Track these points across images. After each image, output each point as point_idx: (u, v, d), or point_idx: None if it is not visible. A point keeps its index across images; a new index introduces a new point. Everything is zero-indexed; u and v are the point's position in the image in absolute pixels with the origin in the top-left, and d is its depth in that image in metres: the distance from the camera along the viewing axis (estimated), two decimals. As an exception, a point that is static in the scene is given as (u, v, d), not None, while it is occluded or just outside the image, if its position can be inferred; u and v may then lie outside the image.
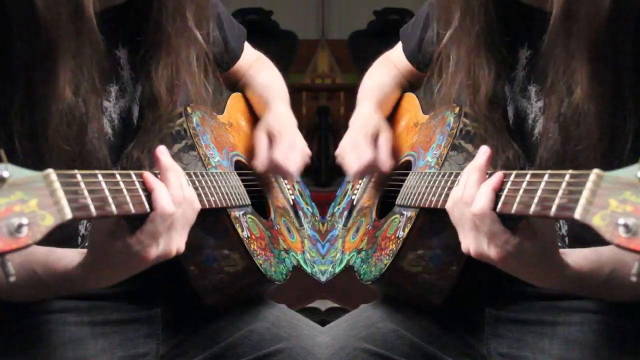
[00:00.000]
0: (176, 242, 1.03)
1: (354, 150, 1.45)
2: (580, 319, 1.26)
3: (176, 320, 1.33)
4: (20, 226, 0.75)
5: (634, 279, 0.78)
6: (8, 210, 0.75)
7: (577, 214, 0.81)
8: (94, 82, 1.17)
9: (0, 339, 1.23)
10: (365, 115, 1.53)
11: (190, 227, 1.06)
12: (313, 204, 1.75)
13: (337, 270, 1.50)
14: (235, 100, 1.60)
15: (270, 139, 1.47)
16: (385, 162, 1.45)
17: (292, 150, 1.45)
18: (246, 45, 1.65)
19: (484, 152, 1.06)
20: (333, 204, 1.76)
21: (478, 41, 1.26)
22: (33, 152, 1.12)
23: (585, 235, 1.01)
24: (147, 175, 1.01)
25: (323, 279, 1.52)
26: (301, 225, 1.62)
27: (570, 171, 0.87)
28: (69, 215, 0.81)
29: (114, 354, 1.26)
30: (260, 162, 1.45)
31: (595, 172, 0.81)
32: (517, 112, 1.28)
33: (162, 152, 1.06)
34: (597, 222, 0.79)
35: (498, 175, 1.00)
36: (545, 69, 1.18)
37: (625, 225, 0.76)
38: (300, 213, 1.65)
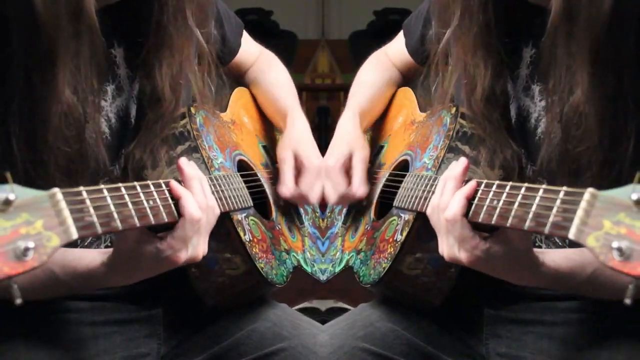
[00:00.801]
0: (202, 245, 1.10)
1: (330, 178, 1.47)
2: (578, 319, 1.26)
3: (177, 321, 1.33)
4: (26, 250, 0.76)
5: (627, 301, 0.79)
6: (14, 233, 0.76)
7: (572, 234, 0.81)
8: (92, 82, 1.17)
9: (2, 340, 1.23)
10: (343, 131, 1.53)
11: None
12: None
13: (337, 269, 1.50)
14: (238, 96, 1.60)
15: (297, 160, 1.48)
16: (358, 189, 1.47)
17: (318, 178, 1.47)
18: (247, 38, 1.64)
19: (461, 162, 1.12)
20: None
21: (476, 40, 1.26)
22: (31, 152, 1.12)
23: None
24: (174, 183, 1.07)
25: (323, 278, 1.52)
26: (302, 222, 1.62)
27: (565, 188, 0.87)
28: (74, 235, 0.81)
29: (116, 354, 1.27)
30: (287, 188, 1.46)
31: (589, 192, 0.82)
32: (519, 110, 1.28)
33: (185, 163, 1.12)
34: (591, 243, 0.79)
35: (471, 183, 1.07)
36: (549, 68, 1.18)
37: (619, 249, 0.76)
38: (301, 210, 1.64)
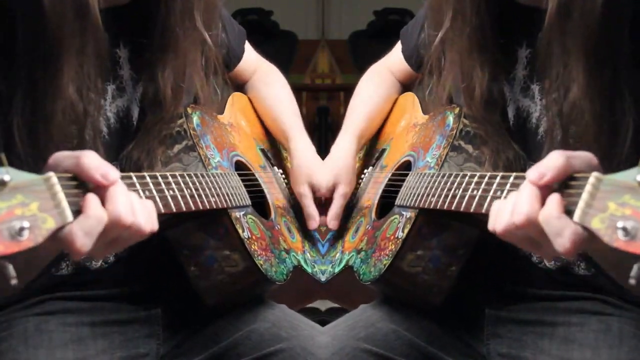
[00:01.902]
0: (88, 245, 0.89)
1: (314, 199, 1.53)
2: (579, 319, 1.26)
3: (176, 321, 1.33)
4: (21, 229, 0.75)
5: (632, 281, 0.78)
6: (9, 214, 0.76)
7: (577, 217, 0.81)
8: (95, 80, 1.17)
9: (2, 340, 1.23)
10: (336, 158, 1.56)
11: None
12: None
13: (337, 270, 1.50)
14: (235, 100, 1.60)
15: (313, 190, 1.53)
16: (331, 221, 1.52)
17: (335, 198, 1.52)
18: (247, 46, 1.65)
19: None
20: None
21: (470, 43, 1.26)
22: (34, 149, 1.12)
23: None
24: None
25: (323, 278, 1.53)
26: (302, 224, 1.62)
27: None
28: (69, 218, 0.81)
29: (115, 354, 1.26)
30: (316, 222, 1.52)
31: (594, 175, 0.81)
32: (518, 112, 1.28)
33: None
34: (595, 225, 0.79)
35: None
36: (546, 67, 1.18)
37: (624, 229, 0.76)
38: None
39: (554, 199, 0.87)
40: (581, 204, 0.81)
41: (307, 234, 1.57)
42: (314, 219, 1.51)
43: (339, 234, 1.56)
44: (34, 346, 1.22)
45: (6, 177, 0.77)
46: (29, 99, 1.12)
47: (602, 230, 0.78)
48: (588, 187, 0.81)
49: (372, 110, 1.62)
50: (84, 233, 0.84)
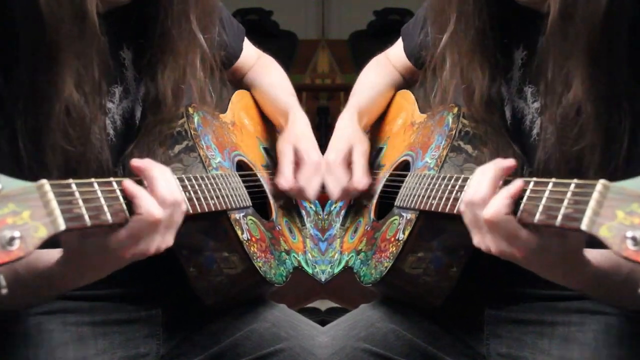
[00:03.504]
0: (157, 243, 1.01)
1: (331, 173, 1.46)
2: (579, 319, 1.26)
3: (176, 321, 1.33)
4: (12, 239, 0.75)
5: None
6: (0, 223, 0.75)
7: (584, 225, 0.81)
8: (97, 82, 1.17)
9: (1, 340, 1.23)
10: (342, 127, 1.54)
11: (177, 230, 1.04)
12: (317, 201, 1.75)
13: (336, 270, 1.50)
14: (238, 98, 1.60)
15: (296, 154, 1.48)
16: (360, 181, 1.46)
17: (316, 174, 1.46)
18: (246, 42, 1.65)
19: (509, 161, 1.04)
20: (329, 202, 1.75)
21: (473, 45, 1.26)
22: (36, 152, 1.12)
23: None
24: (127, 182, 0.97)
25: (323, 279, 1.53)
26: (303, 224, 1.62)
27: (575, 180, 0.87)
28: (62, 226, 0.80)
29: (115, 354, 1.27)
30: (285, 180, 1.45)
31: (601, 183, 0.81)
32: (514, 113, 1.28)
33: (137, 160, 1.02)
34: (604, 233, 0.78)
35: (517, 183, 0.98)
36: (542, 70, 1.19)
37: (634, 238, 0.76)
38: (303, 212, 1.65)
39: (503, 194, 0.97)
40: (589, 211, 0.81)
41: (308, 234, 1.57)
42: (285, 178, 1.45)
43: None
44: (35, 346, 1.22)
45: None
46: (31, 103, 1.12)
47: (610, 239, 0.78)
48: (595, 195, 0.81)
49: (374, 94, 1.63)
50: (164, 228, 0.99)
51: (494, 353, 1.31)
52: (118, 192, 0.94)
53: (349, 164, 1.48)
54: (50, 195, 0.80)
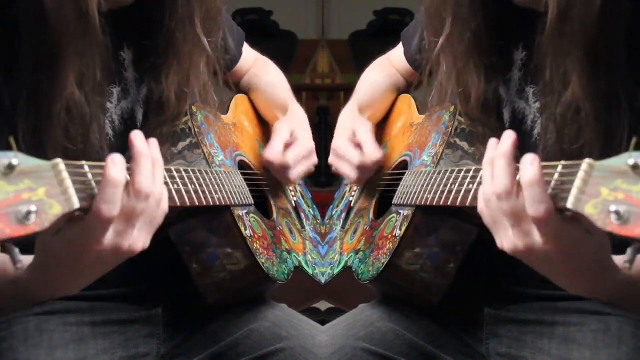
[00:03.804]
0: (130, 237, 0.91)
1: (342, 157, 1.47)
2: (579, 319, 1.26)
3: (177, 320, 1.33)
4: (28, 213, 0.76)
5: (626, 265, 0.80)
6: (17, 198, 0.76)
7: (570, 204, 0.81)
8: (98, 82, 1.17)
9: (2, 340, 1.23)
10: (344, 118, 1.56)
11: (156, 229, 0.95)
12: (314, 206, 1.76)
13: (336, 271, 1.50)
14: (239, 102, 1.61)
15: (291, 136, 1.49)
16: (373, 152, 1.46)
17: (306, 159, 1.47)
18: (245, 46, 1.66)
19: (509, 136, 0.94)
20: (331, 206, 1.76)
21: (469, 48, 1.26)
22: (37, 150, 1.12)
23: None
24: (110, 168, 0.87)
25: (323, 280, 1.53)
26: (303, 227, 1.62)
27: (563, 162, 0.87)
28: (76, 204, 0.81)
29: (115, 354, 1.27)
30: (273, 153, 1.45)
31: (586, 162, 0.82)
32: (514, 114, 1.28)
33: (137, 137, 0.94)
34: (589, 210, 0.79)
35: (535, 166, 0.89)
36: (541, 69, 1.19)
37: (617, 212, 0.77)
38: (302, 215, 1.65)
39: (536, 163, 0.86)
40: (574, 190, 0.81)
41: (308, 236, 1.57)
42: (272, 151, 1.45)
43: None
44: (35, 346, 1.22)
45: (14, 161, 0.77)
46: (33, 102, 1.12)
47: (595, 216, 0.78)
48: (580, 174, 0.81)
49: (375, 93, 1.64)
50: (103, 199, 0.85)
51: (493, 353, 1.32)
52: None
53: (357, 145, 1.48)
54: (65, 174, 0.81)
